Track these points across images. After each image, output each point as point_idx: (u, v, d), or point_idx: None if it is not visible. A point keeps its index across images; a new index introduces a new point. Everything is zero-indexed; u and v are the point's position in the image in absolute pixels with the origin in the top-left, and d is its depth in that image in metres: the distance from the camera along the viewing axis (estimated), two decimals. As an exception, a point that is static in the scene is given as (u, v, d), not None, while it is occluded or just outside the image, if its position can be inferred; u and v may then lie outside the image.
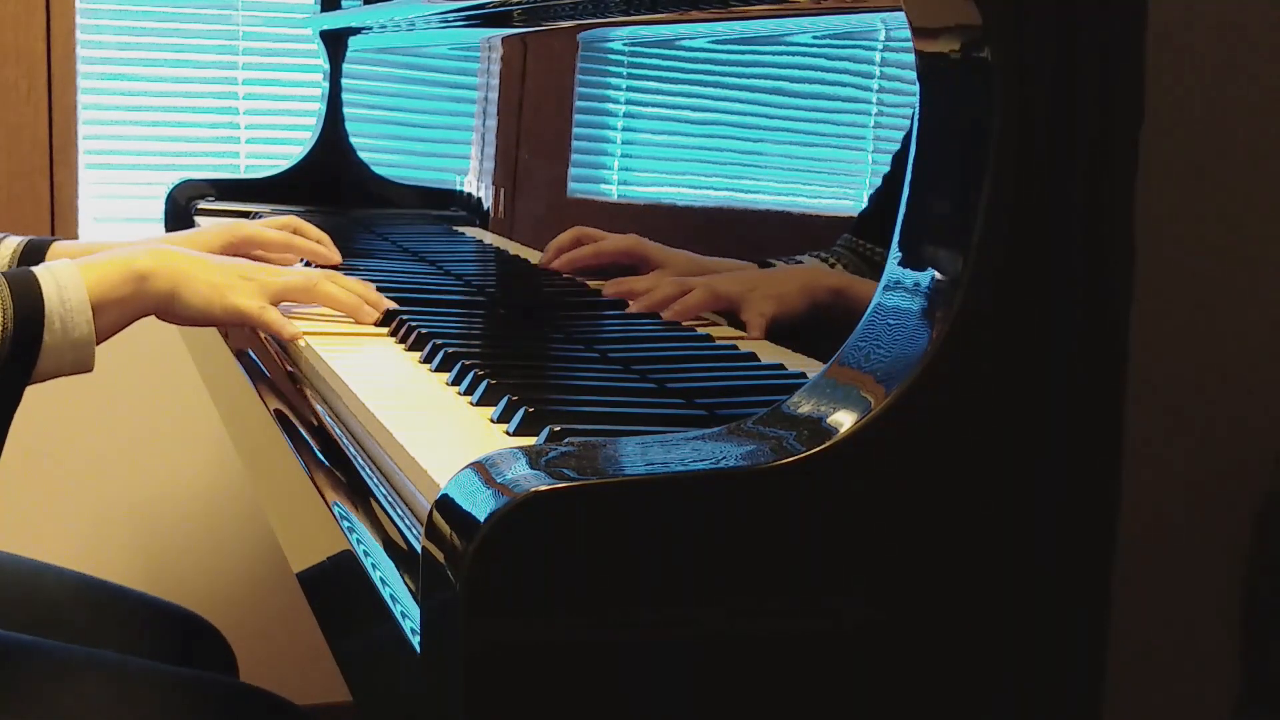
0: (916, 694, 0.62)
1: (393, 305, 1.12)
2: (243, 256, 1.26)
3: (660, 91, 1.15)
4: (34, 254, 1.23)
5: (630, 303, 1.10)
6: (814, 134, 0.92)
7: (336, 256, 1.35)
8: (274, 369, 1.10)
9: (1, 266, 1.21)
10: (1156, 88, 0.63)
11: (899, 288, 0.64)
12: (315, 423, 0.94)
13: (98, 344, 1.00)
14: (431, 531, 0.59)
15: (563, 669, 0.57)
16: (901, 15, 0.65)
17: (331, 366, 0.95)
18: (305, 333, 1.06)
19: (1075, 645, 0.64)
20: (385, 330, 1.09)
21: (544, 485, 0.56)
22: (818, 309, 0.97)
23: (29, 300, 0.96)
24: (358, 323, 1.11)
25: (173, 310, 1.07)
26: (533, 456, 0.60)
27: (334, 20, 1.88)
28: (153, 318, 1.07)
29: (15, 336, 0.94)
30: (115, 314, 1.02)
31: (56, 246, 1.24)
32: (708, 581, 0.58)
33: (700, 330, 1.00)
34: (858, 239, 0.87)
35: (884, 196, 0.84)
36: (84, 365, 0.99)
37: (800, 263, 0.94)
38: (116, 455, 2.09)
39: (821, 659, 0.60)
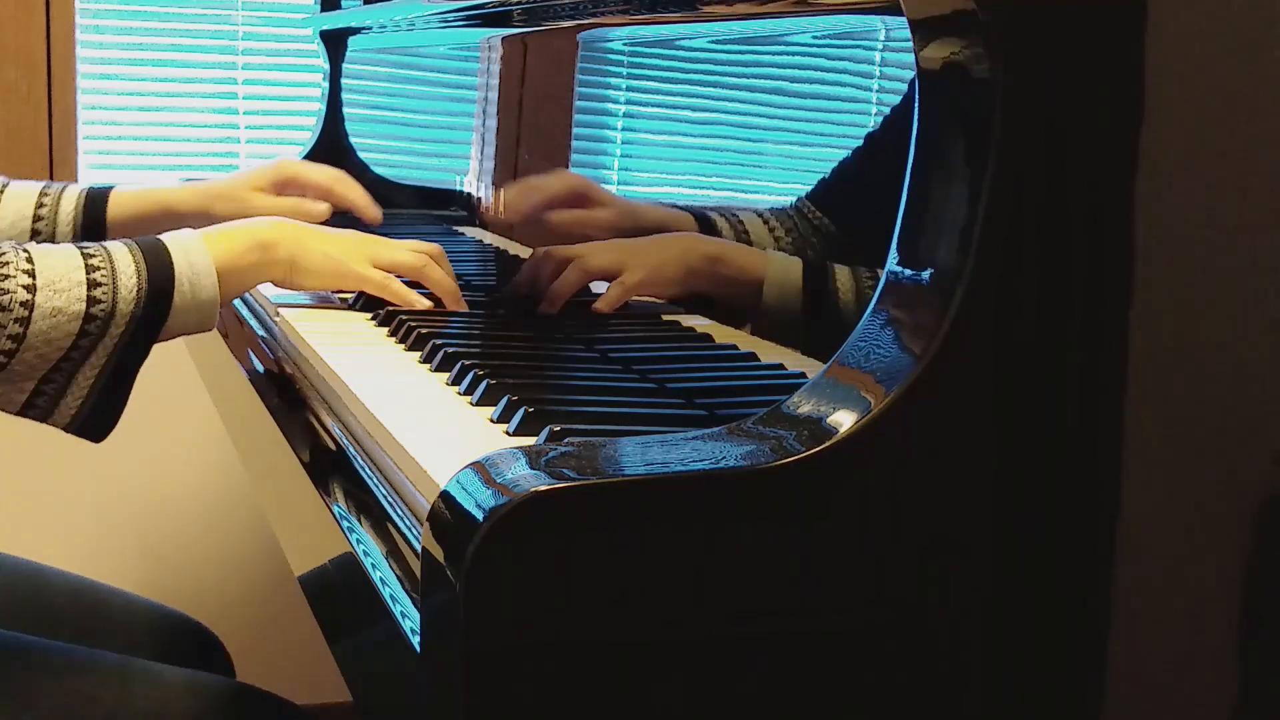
0: (916, 694, 0.62)
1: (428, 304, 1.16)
2: (287, 195, 1.37)
3: (660, 91, 1.15)
4: (96, 201, 1.30)
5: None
6: (814, 134, 0.92)
7: (377, 214, 1.43)
8: (274, 369, 1.10)
9: (69, 216, 1.28)
10: (1156, 86, 0.63)
11: (899, 287, 0.64)
12: (315, 423, 0.94)
13: (221, 307, 1.04)
14: (431, 532, 0.59)
15: (562, 669, 0.57)
16: (901, 15, 0.65)
17: (332, 367, 0.95)
18: (307, 333, 1.07)
19: (1075, 645, 0.64)
20: (385, 330, 1.09)
21: (544, 485, 0.56)
22: (696, 276, 1.04)
23: (160, 265, 0.99)
24: (450, 310, 1.14)
25: (293, 278, 1.11)
26: (532, 456, 0.60)
27: (334, 20, 1.88)
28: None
29: (149, 296, 0.98)
30: (238, 280, 1.06)
31: (116, 192, 1.31)
32: (707, 581, 0.58)
33: (700, 330, 1.00)
34: (812, 205, 0.88)
35: (849, 175, 0.84)
36: (206, 326, 1.04)
37: (740, 220, 0.97)
38: (116, 456, 2.08)
39: (821, 659, 0.60)
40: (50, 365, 0.95)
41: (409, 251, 1.15)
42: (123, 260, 0.98)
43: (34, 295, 0.93)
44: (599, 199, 1.19)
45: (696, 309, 1.03)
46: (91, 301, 0.95)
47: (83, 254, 0.97)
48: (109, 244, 1.00)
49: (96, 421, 0.98)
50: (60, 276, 0.95)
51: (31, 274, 0.94)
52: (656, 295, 1.07)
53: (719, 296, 1.00)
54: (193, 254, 1.01)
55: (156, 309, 0.98)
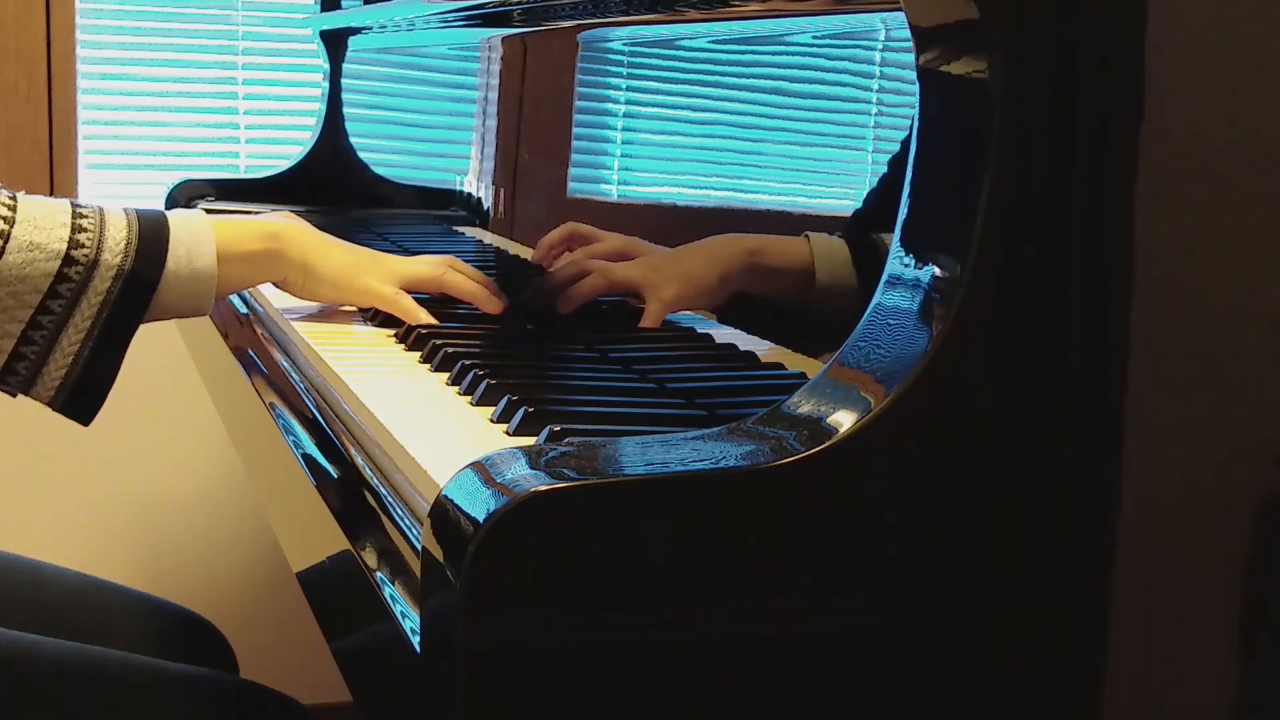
0: (916, 694, 0.62)
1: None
2: None
3: (660, 91, 1.15)
4: None
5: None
6: (814, 134, 0.92)
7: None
8: (273, 369, 1.10)
9: None
10: (1156, 87, 0.63)
11: (899, 287, 0.64)
12: (315, 422, 0.94)
13: (220, 296, 1.00)
14: (431, 531, 0.59)
15: (563, 669, 0.57)
16: (901, 15, 0.65)
17: (332, 367, 0.95)
18: (307, 332, 1.06)
19: (1075, 645, 0.64)
20: (386, 331, 1.09)
21: (544, 485, 0.56)
22: (735, 277, 0.96)
23: (154, 227, 0.96)
24: (484, 312, 1.11)
25: (304, 282, 1.07)
26: (532, 456, 0.60)
27: (334, 20, 1.88)
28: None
29: (139, 252, 0.94)
30: (241, 267, 1.02)
31: None
32: (708, 581, 0.58)
33: (700, 330, 1.00)
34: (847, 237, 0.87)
35: (879, 199, 0.84)
36: (202, 305, 0.99)
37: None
38: (116, 455, 2.08)
39: (821, 659, 0.60)
40: (29, 313, 0.91)
41: (426, 263, 1.12)
42: (114, 215, 0.95)
43: (11, 227, 0.91)
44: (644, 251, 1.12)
45: (729, 321, 0.98)
46: (74, 244, 0.92)
47: (72, 204, 0.95)
48: (104, 205, 0.97)
49: (82, 397, 0.94)
50: (43, 215, 0.93)
51: (12, 208, 0.92)
52: (696, 305, 1.01)
53: (765, 292, 0.95)
54: (193, 226, 0.98)
55: (147, 269, 0.94)
